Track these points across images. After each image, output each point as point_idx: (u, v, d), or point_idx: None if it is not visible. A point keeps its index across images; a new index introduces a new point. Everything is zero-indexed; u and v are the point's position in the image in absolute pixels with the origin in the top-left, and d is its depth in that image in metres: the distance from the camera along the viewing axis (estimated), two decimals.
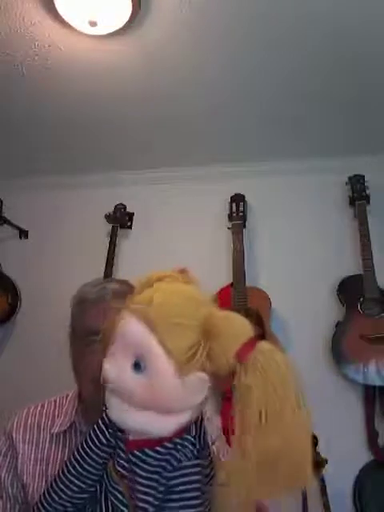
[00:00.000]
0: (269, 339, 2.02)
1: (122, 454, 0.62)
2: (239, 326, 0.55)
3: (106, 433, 0.65)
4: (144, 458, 0.59)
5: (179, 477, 0.58)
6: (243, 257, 2.06)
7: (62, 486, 0.66)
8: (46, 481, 0.88)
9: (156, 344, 0.54)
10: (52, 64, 1.70)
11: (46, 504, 0.67)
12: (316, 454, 1.56)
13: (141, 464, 0.59)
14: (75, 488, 0.65)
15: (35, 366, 2.13)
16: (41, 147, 2.24)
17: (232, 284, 2.02)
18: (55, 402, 1.00)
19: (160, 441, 0.59)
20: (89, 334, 0.86)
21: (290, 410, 0.51)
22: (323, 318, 2.00)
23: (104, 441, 0.65)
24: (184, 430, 0.59)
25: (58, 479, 0.67)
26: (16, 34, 1.56)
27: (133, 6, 1.43)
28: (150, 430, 0.57)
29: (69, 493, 0.66)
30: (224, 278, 2.06)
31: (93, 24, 1.47)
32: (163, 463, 0.59)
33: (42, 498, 0.68)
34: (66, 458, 0.88)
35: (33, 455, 0.91)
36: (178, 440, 0.59)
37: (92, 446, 0.66)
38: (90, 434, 0.67)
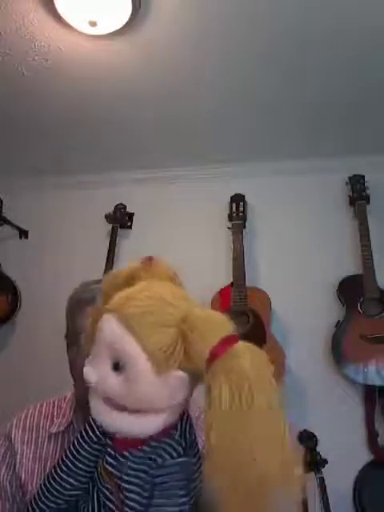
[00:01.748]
0: (269, 339, 2.01)
1: (112, 453, 0.63)
2: (215, 325, 0.54)
3: (97, 431, 0.66)
4: (130, 457, 0.60)
5: (162, 475, 0.58)
6: (243, 257, 2.06)
7: (53, 483, 0.67)
8: None
9: (133, 343, 0.54)
10: (52, 64, 1.70)
11: (39, 501, 0.68)
12: (316, 453, 1.56)
13: (128, 463, 0.60)
14: (67, 485, 0.66)
15: (35, 366, 2.13)
16: (41, 147, 2.24)
17: (232, 284, 2.02)
18: (54, 402, 1.01)
19: (146, 440, 0.59)
20: (79, 336, 0.86)
21: (250, 414, 0.49)
22: (323, 318, 2.00)
23: (94, 438, 0.66)
24: (169, 429, 0.60)
25: (50, 476, 0.68)
26: (16, 34, 1.56)
27: (133, 5, 1.43)
28: (134, 431, 0.57)
29: (60, 489, 0.67)
30: (224, 278, 2.06)
31: (93, 24, 1.47)
32: (149, 461, 0.59)
33: (36, 494, 0.69)
34: None
35: (31, 454, 0.92)
36: (162, 438, 0.60)
37: (83, 443, 0.67)
38: (81, 432, 0.68)
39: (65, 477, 0.66)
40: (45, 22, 1.52)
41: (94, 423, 0.66)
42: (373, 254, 1.93)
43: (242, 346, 0.52)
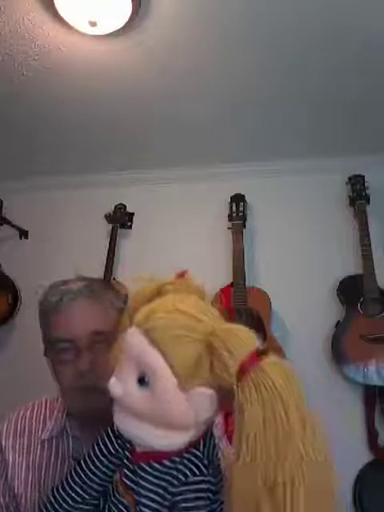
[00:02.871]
0: (269, 339, 2.00)
1: (129, 466, 0.61)
2: (241, 341, 0.52)
3: (115, 443, 0.64)
4: (150, 470, 0.58)
5: (185, 492, 0.56)
6: (243, 257, 2.06)
7: (64, 495, 0.64)
8: (39, 488, 0.85)
9: (158, 357, 0.53)
10: (52, 64, 1.70)
11: (51, 508, 0.65)
12: None
13: (147, 476, 0.58)
14: (78, 498, 0.64)
15: (35, 366, 2.12)
16: (41, 147, 2.24)
17: (232, 284, 2.02)
18: (46, 404, 0.97)
19: (167, 454, 0.58)
20: (55, 343, 0.85)
21: (286, 433, 0.47)
22: (323, 318, 2.00)
23: (112, 450, 0.64)
24: (192, 445, 0.58)
25: (60, 487, 0.65)
26: (16, 33, 1.56)
27: (133, 5, 1.43)
28: (156, 445, 0.56)
29: (71, 502, 0.64)
30: (224, 278, 2.06)
31: (93, 24, 1.47)
32: (168, 477, 0.57)
33: (43, 506, 0.66)
34: (58, 464, 0.85)
35: (24, 463, 0.88)
36: (185, 454, 0.58)
37: (99, 454, 0.64)
38: (98, 442, 0.66)
39: (77, 488, 0.64)
40: (45, 22, 1.52)
41: (114, 434, 0.64)
42: (373, 254, 1.93)
43: (270, 360, 0.51)
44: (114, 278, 2.17)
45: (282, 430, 0.47)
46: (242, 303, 1.95)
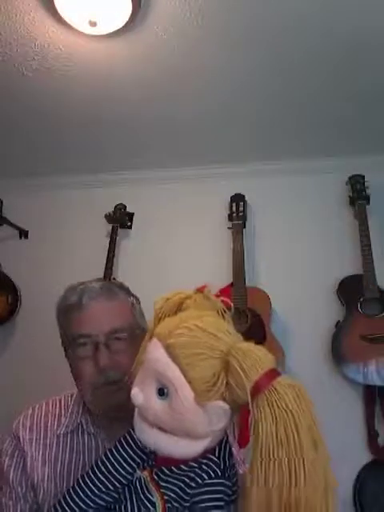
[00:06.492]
0: (269, 339, 2.00)
1: (155, 466, 0.64)
2: (257, 361, 0.55)
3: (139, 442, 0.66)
4: (169, 473, 0.62)
5: (202, 494, 0.61)
6: (243, 257, 2.06)
7: (89, 483, 0.67)
8: (55, 482, 0.88)
9: (177, 372, 0.56)
10: (52, 64, 1.70)
11: (69, 500, 0.68)
12: None
13: (166, 478, 0.62)
14: (102, 487, 0.67)
15: (35, 367, 2.13)
16: (41, 147, 2.24)
17: (232, 284, 2.02)
18: (60, 401, 1.00)
19: (185, 460, 0.61)
20: (76, 340, 0.87)
21: (297, 452, 0.51)
22: (323, 318, 2.00)
23: (139, 443, 0.66)
24: (208, 451, 0.62)
25: (86, 476, 0.68)
26: (16, 33, 1.56)
27: (133, 6, 1.43)
28: (174, 453, 0.59)
29: (96, 491, 0.67)
30: (224, 278, 2.06)
31: (93, 24, 1.47)
32: (187, 479, 0.61)
33: (67, 494, 0.69)
34: (73, 459, 0.88)
35: (41, 457, 0.91)
36: (202, 459, 0.62)
37: (127, 447, 0.67)
38: (125, 437, 0.69)
39: (102, 478, 0.67)
40: (45, 22, 1.52)
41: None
42: (373, 253, 1.93)
43: (283, 380, 0.54)
44: (114, 278, 2.17)
45: (294, 451, 0.51)
46: (241, 303, 1.95)
